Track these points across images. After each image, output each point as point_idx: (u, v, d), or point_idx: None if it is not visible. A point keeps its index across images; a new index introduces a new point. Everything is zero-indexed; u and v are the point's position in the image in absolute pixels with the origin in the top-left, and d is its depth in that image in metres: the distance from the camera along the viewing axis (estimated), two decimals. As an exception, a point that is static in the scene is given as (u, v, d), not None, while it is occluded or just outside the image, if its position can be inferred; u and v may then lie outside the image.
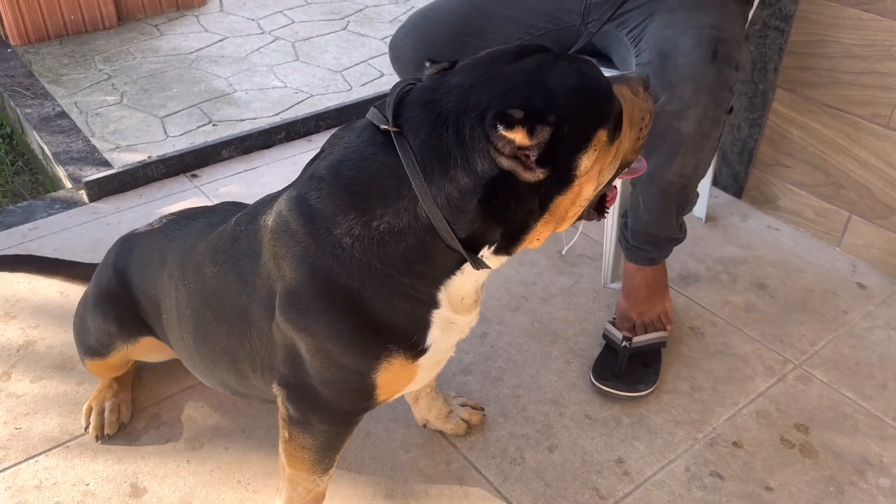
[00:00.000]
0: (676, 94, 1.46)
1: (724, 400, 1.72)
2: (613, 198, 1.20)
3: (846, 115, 2.05)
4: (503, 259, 1.08)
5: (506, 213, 1.01)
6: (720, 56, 1.44)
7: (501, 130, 0.94)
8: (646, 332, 1.81)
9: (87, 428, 1.62)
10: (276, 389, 1.20)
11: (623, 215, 1.82)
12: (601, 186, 1.10)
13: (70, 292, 2.01)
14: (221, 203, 1.63)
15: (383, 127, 1.01)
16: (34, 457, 1.58)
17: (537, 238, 1.08)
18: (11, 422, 1.65)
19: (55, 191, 2.56)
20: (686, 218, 1.80)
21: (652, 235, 1.74)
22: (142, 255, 1.48)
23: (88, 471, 1.55)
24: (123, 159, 2.48)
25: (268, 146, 2.65)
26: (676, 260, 2.14)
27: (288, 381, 1.17)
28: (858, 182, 2.08)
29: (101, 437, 1.60)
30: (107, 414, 1.61)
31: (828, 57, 2.04)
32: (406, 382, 1.18)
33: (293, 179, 1.17)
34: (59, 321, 1.91)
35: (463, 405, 1.65)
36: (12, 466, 1.56)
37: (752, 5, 1.78)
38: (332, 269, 1.05)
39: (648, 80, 1.16)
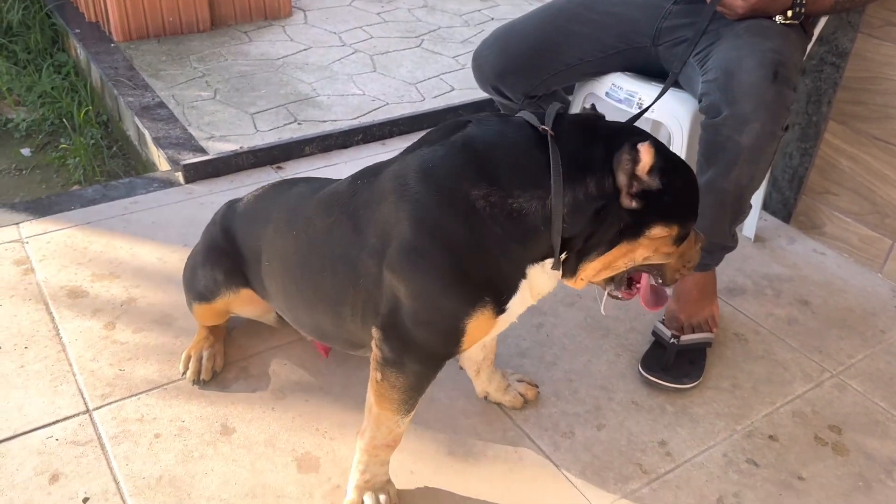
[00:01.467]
0: (738, 108, 1.62)
1: (763, 399, 1.85)
2: (641, 290, 1.46)
3: (894, 149, 2.18)
4: (558, 275, 1.32)
5: (593, 233, 1.25)
6: (780, 77, 1.60)
7: (638, 148, 1.18)
8: (693, 333, 1.96)
9: (184, 373, 1.81)
10: (374, 332, 1.38)
11: (678, 223, 1.97)
12: (642, 262, 1.33)
13: (168, 259, 2.22)
14: (315, 177, 1.84)
15: (542, 128, 1.25)
16: (136, 395, 1.78)
17: (586, 273, 1.31)
18: (116, 364, 1.86)
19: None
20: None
21: (706, 242, 1.89)
22: (246, 213, 1.70)
23: (184, 410, 1.74)
24: (217, 148, 2.71)
25: (346, 146, 2.86)
26: (725, 274, 2.28)
27: (386, 324, 1.35)
28: (903, 212, 2.21)
29: (197, 381, 1.80)
30: (204, 361, 1.81)
31: (880, 93, 2.18)
32: (485, 333, 1.35)
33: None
34: (158, 283, 2.12)
35: (520, 381, 1.81)
36: (118, 401, 1.75)
37: (811, 38, 1.94)
38: (456, 222, 1.24)
39: (704, 238, 1.44)
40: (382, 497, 1.50)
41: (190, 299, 1.81)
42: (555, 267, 1.29)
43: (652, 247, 1.30)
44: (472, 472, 1.63)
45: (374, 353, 1.39)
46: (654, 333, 1.97)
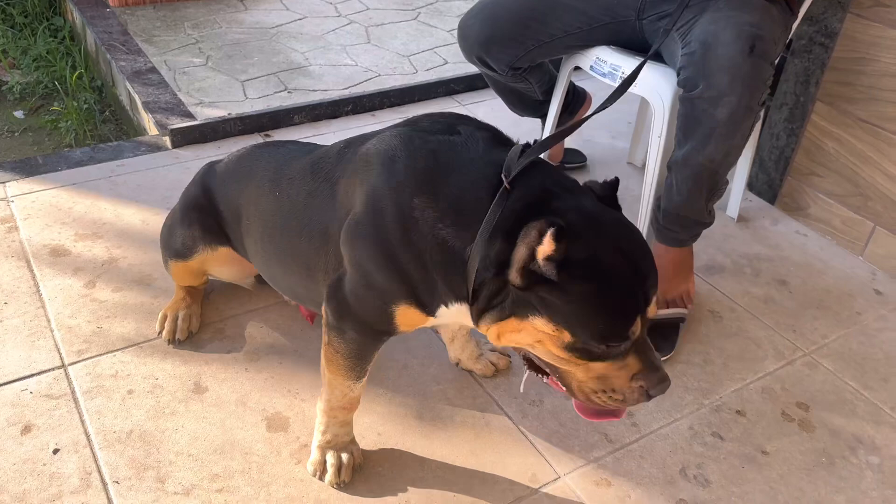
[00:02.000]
0: (714, 81, 1.62)
1: (733, 375, 1.87)
2: (554, 383, 1.28)
3: (880, 131, 2.17)
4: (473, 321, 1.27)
5: (495, 293, 1.19)
6: (757, 51, 1.60)
7: (548, 236, 1.09)
8: (667, 308, 1.97)
9: (160, 332, 1.83)
10: (324, 294, 1.40)
11: (657, 199, 1.98)
12: (531, 349, 1.23)
13: (151, 222, 2.23)
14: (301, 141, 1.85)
15: (504, 181, 1.20)
16: (112, 352, 1.80)
17: (486, 330, 1.25)
18: (94, 321, 1.88)
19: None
20: (718, 217, 1.94)
21: (682, 217, 1.89)
22: (228, 171, 1.71)
23: (158, 368, 1.77)
24: (205, 114, 2.72)
25: (335, 116, 2.86)
26: (705, 252, 2.29)
27: (332, 287, 1.37)
28: (885, 195, 2.20)
29: (172, 341, 1.82)
30: (179, 322, 1.82)
31: (867, 74, 2.17)
32: (420, 324, 1.37)
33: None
34: (140, 244, 2.14)
35: (492, 350, 1.82)
36: (93, 357, 1.77)
37: (796, 16, 1.93)
38: (397, 217, 1.24)
39: (661, 388, 1.22)
40: (345, 456, 1.52)
41: (167, 257, 1.82)
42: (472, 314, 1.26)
43: (535, 337, 1.19)
44: (439, 436, 1.65)
45: (323, 316, 1.43)
46: (629, 307, 1.97)
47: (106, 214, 2.26)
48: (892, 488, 1.61)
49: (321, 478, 1.53)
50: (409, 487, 1.54)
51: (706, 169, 1.76)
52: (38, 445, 1.56)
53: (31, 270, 2.02)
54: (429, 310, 1.31)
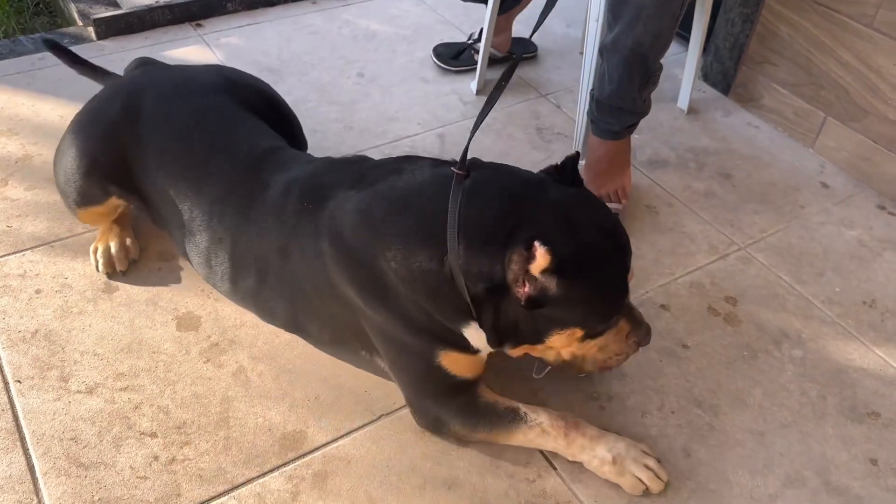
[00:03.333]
0: (638, -43, 1.50)
1: (663, 270, 1.82)
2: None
3: (834, 14, 2.05)
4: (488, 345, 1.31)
5: (499, 312, 1.24)
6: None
7: (537, 248, 1.13)
8: (601, 203, 1.90)
9: (97, 267, 1.70)
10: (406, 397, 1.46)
11: (592, 90, 1.88)
12: (550, 355, 1.35)
13: (69, 117, 2.11)
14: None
15: (455, 171, 1.27)
16: (21, 251, 1.74)
17: (516, 353, 1.34)
18: (4, 220, 1.81)
19: (68, 30, 2.66)
20: (668, 109, 1.84)
21: (614, 107, 1.80)
22: (169, 140, 1.56)
23: (68, 267, 1.71)
24: (132, 2, 2.56)
25: (272, 4, 2.71)
26: (649, 145, 2.21)
27: (407, 390, 1.44)
28: (838, 83, 2.11)
29: (115, 274, 1.69)
30: (114, 252, 1.69)
31: (825, -48, 2.03)
32: (474, 364, 1.39)
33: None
34: (56, 141, 2.03)
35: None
36: (1, 257, 1.72)
37: None
38: (383, 282, 1.30)
39: (648, 339, 1.36)
40: (643, 461, 1.38)
41: (71, 204, 1.68)
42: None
43: (555, 347, 1.31)
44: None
45: (416, 419, 1.45)
46: (562, 202, 1.91)
47: (23, 110, 2.16)
48: (812, 381, 1.59)
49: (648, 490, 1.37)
50: None
51: (635, 54, 1.66)
52: (-63, 346, 1.53)
53: (-59, 169, 1.93)
54: (462, 344, 1.33)
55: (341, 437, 1.43)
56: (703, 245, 1.90)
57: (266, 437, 1.42)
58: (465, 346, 1.34)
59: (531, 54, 2.57)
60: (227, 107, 1.61)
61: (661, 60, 1.75)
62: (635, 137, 1.98)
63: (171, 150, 1.54)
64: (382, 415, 1.48)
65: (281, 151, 1.55)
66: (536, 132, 2.25)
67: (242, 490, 1.34)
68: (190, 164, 1.53)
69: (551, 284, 1.16)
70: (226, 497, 1.33)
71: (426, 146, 2.15)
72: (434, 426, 1.40)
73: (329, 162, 1.49)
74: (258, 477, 1.36)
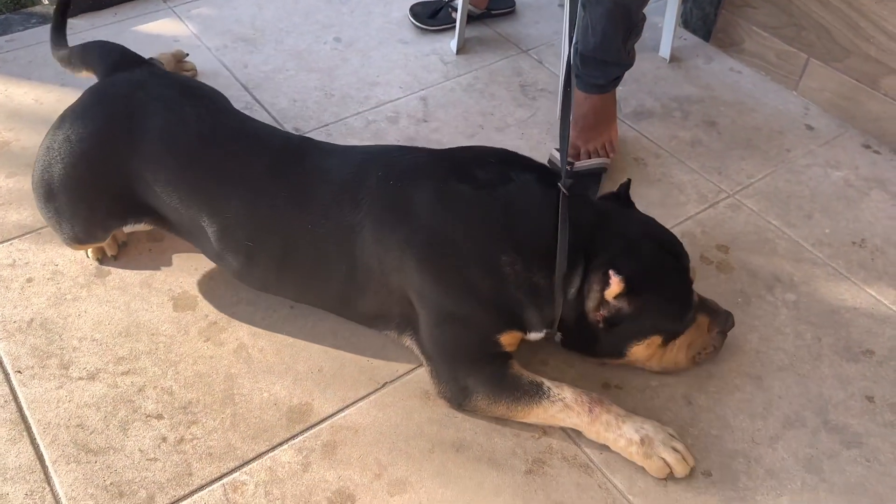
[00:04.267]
0: None
1: (655, 221, 1.83)
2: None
3: (814, -47, 2.04)
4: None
5: (580, 330, 1.40)
6: None
7: (612, 277, 1.31)
8: (589, 159, 1.90)
9: (87, 254, 1.67)
10: (426, 363, 1.49)
11: (575, 44, 1.86)
12: (648, 365, 1.46)
13: (44, 100, 2.09)
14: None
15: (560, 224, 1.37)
16: (9, 240, 1.72)
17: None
18: (-12, 210, 1.78)
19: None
20: (650, 58, 1.82)
21: (598, 60, 1.79)
22: (184, 158, 1.47)
23: (58, 254, 1.69)
24: (98, -23, 2.49)
25: (244, -28, 2.64)
26: (634, 97, 2.20)
27: (428, 353, 1.47)
28: (819, 23, 2.10)
29: (105, 258, 1.67)
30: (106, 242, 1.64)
31: None
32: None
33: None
34: (33, 125, 2.00)
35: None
36: (-11, 247, 1.70)
37: None
38: (490, 279, 1.38)
39: (732, 324, 1.48)
40: (670, 444, 1.36)
41: (66, 240, 1.60)
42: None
43: (638, 358, 1.43)
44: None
45: (435, 386, 1.45)
46: (550, 161, 1.91)
47: (-5, 95, 2.11)
48: (807, 323, 1.62)
49: (672, 473, 1.35)
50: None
51: (619, 5, 1.64)
52: (-68, 341, 1.51)
53: (-83, 161, 1.89)
54: (527, 328, 1.43)
55: (347, 406, 1.45)
56: (693, 194, 1.91)
57: (273, 411, 1.43)
58: (528, 329, 1.43)
59: (509, 9, 2.53)
60: (228, 107, 1.63)
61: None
62: (620, 89, 1.97)
63: (194, 155, 1.47)
64: (386, 382, 1.49)
65: (313, 141, 1.56)
66: (520, 89, 2.23)
67: (253, 465, 1.35)
68: (219, 164, 1.46)
69: (624, 305, 1.33)
70: (237, 473, 1.34)
71: (409, 110, 2.13)
72: (459, 395, 1.40)
73: (399, 147, 1.55)
74: (268, 451, 1.37)
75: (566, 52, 1.68)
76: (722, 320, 1.47)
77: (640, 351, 1.41)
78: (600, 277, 1.33)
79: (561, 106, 1.50)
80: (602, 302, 1.34)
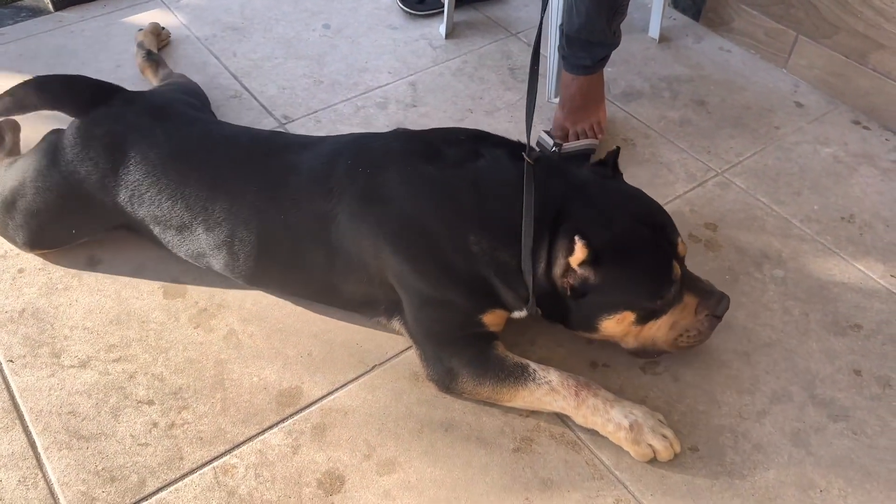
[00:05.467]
0: None
1: (643, 201, 1.83)
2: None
3: (800, -71, 2.03)
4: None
5: (552, 301, 1.37)
6: None
7: (577, 243, 1.28)
8: (577, 140, 1.90)
9: None
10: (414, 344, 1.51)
11: (561, 24, 1.86)
12: (624, 342, 1.42)
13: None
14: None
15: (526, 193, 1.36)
16: None
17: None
18: None
19: (23, 2, 2.59)
20: (639, 39, 1.81)
21: (584, 41, 1.79)
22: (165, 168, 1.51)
23: (49, 244, 1.70)
24: (86, -31, 2.49)
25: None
26: (623, 78, 2.19)
27: (414, 335, 1.48)
28: (807, 0, 2.09)
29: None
30: None
31: None
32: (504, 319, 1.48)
33: None
34: (24, 120, 1.99)
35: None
36: None
37: None
38: (458, 257, 1.38)
39: (725, 307, 1.39)
40: (648, 421, 1.35)
41: (19, 245, 1.65)
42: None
43: (610, 332, 1.39)
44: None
45: (424, 368, 1.45)
46: (539, 144, 1.91)
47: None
48: (794, 299, 1.62)
49: (656, 458, 1.35)
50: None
51: (602, -15, 1.64)
52: (-75, 333, 1.53)
53: None
54: (509, 306, 1.43)
55: (336, 389, 1.46)
56: (681, 174, 1.91)
57: (262, 395, 1.44)
58: (509, 307, 1.43)
59: (498, -7, 2.53)
60: (197, 115, 1.66)
61: (629, -10, 1.73)
62: (608, 70, 1.97)
63: (169, 172, 1.51)
64: (375, 365, 1.50)
65: (282, 134, 1.61)
66: (509, 73, 2.23)
67: (243, 448, 1.36)
68: (194, 172, 1.51)
69: (590, 274, 1.30)
70: (227, 456, 1.35)
71: (398, 95, 2.13)
72: (445, 378, 1.41)
73: (371, 134, 1.56)
74: (258, 434, 1.38)
75: (538, 28, 1.67)
76: (713, 303, 1.38)
77: (610, 326, 1.36)
78: (566, 244, 1.30)
79: (529, 79, 1.50)
80: (567, 269, 1.31)
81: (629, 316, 1.35)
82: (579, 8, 1.72)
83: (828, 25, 2.07)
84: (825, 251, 1.72)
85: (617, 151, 1.48)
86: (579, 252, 1.28)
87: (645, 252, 1.33)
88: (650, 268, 1.33)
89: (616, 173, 1.48)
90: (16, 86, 1.60)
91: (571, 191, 1.37)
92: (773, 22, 2.20)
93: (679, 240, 1.38)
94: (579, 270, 1.30)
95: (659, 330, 1.38)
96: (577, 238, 1.27)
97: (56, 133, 1.59)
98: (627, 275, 1.32)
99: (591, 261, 1.28)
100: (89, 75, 1.69)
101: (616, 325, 1.36)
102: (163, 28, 2.29)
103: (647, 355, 1.46)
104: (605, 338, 1.42)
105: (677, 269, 1.35)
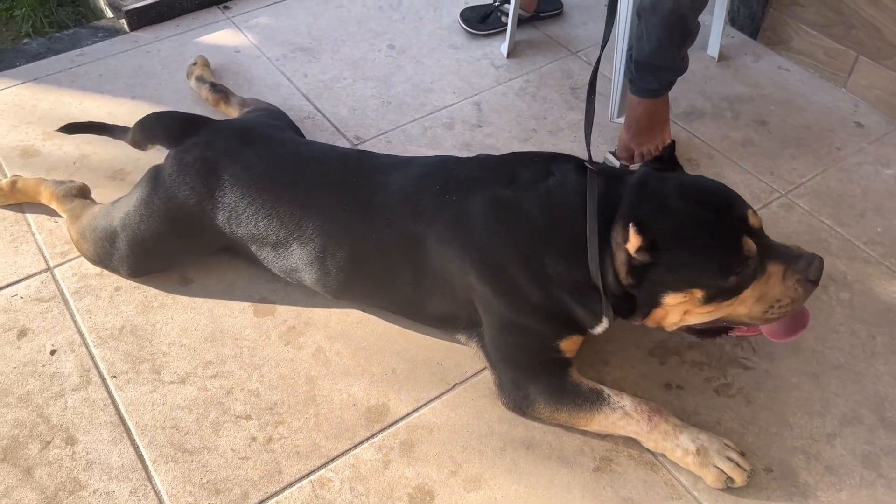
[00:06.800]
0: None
1: (709, 222, 1.88)
2: (739, 331, 1.48)
3: (864, -47, 2.06)
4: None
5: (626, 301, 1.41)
6: None
7: (630, 231, 1.32)
8: (643, 161, 1.95)
9: None
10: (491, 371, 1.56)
11: (630, 48, 1.91)
12: (691, 322, 1.42)
13: (117, 113, 2.19)
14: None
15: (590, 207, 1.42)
16: (95, 251, 1.82)
17: (650, 324, 1.46)
18: (74, 222, 1.89)
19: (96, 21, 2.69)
20: (699, 58, 1.85)
21: (653, 66, 1.84)
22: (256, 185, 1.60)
23: (142, 263, 1.79)
24: (159, -10, 2.59)
25: (298, -20, 2.72)
26: (684, 97, 2.24)
27: (493, 361, 1.55)
28: (868, 22, 2.12)
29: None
30: None
31: None
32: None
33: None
34: (109, 139, 2.10)
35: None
36: (77, 258, 1.80)
37: None
38: (533, 283, 1.45)
39: (817, 269, 1.34)
40: (720, 451, 1.40)
41: (121, 273, 1.76)
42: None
43: (680, 311, 1.39)
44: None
45: (499, 393, 1.52)
46: (604, 164, 1.97)
47: (71, 109, 2.22)
48: (861, 322, 1.67)
49: (729, 483, 1.39)
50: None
51: (675, 14, 1.69)
52: (35, 348, 1.62)
53: (4, 174, 2.01)
54: (583, 329, 1.49)
55: (421, 406, 1.53)
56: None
57: (352, 411, 1.52)
58: (584, 330, 1.49)
59: (557, 11, 2.58)
60: (285, 136, 1.75)
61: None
62: (670, 91, 2.02)
63: (264, 193, 1.60)
64: (456, 383, 1.57)
65: (368, 154, 1.68)
66: (571, 92, 2.29)
67: (338, 462, 1.44)
68: (287, 191, 1.59)
69: (646, 258, 1.32)
70: (323, 470, 1.43)
71: (464, 115, 2.20)
72: (522, 403, 1.48)
73: (456, 160, 1.63)
74: (350, 449, 1.46)
75: (601, 55, 1.71)
76: (802, 266, 1.33)
77: (675, 301, 1.36)
78: (622, 234, 1.34)
79: (586, 106, 1.63)
80: (628, 257, 1.34)
81: (697, 293, 1.34)
82: (650, 34, 1.77)
83: (889, 47, 2.10)
84: (890, 274, 1.76)
85: (672, 144, 1.52)
86: (633, 239, 1.31)
87: (705, 231, 1.33)
88: (714, 247, 1.32)
89: (675, 166, 1.50)
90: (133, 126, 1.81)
91: (631, 188, 1.40)
92: (833, 42, 2.23)
93: (750, 212, 1.37)
94: (638, 257, 1.32)
95: (742, 305, 1.37)
96: (630, 225, 1.31)
97: (156, 167, 1.68)
98: (689, 255, 1.33)
99: (647, 247, 1.31)
100: (168, 95, 1.79)
101: (682, 299, 1.36)
102: (206, 61, 2.33)
103: (709, 335, 1.49)
104: (671, 318, 1.42)
105: (750, 244, 1.32)
